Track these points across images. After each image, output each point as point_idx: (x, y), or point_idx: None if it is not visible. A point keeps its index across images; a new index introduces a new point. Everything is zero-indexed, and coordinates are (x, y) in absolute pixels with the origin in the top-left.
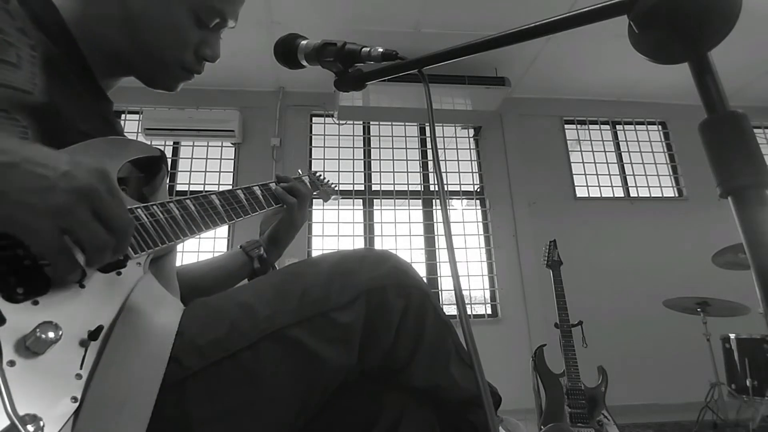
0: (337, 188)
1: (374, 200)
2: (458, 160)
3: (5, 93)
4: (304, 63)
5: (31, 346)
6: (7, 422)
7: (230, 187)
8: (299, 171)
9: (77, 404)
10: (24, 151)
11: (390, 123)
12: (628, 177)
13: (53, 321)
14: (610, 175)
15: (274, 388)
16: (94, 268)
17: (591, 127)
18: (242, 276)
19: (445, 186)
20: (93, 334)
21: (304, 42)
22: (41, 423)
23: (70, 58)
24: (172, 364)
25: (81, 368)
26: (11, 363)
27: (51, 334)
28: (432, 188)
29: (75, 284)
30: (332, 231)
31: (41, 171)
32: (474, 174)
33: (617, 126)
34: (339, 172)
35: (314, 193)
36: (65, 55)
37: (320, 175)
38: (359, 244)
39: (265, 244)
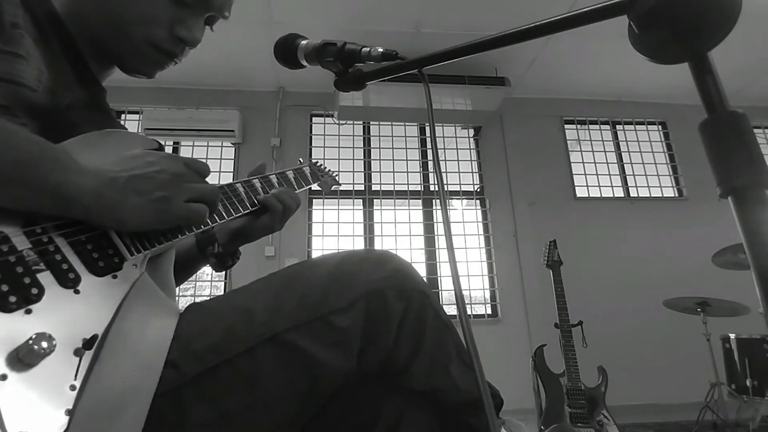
0: (338, 176)
1: (374, 200)
2: (458, 160)
3: (11, 89)
4: (304, 63)
5: (23, 359)
6: None
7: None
8: (300, 160)
9: (71, 417)
10: (120, 170)
11: (390, 123)
12: (628, 177)
13: (47, 332)
14: (610, 175)
15: (272, 392)
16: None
17: (591, 127)
18: (199, 267)
19: (445, 186)
20: (88, 344)
21: (304, 42)
22: None
23: (64, 47)
24: (168, 370)
25: (75, 379)
26: (3, 377)
27: (45, 345)
28: (432, 188)
29: (69, 290)
30: (332, 231)
31: (147, 172)
32: (474, 174)
33: (617, 126)
34: (339, 172)
35: (315, 184)
36: (60, 44)
37: (321, 165)
38: (359, 244)
39: (226, 236)
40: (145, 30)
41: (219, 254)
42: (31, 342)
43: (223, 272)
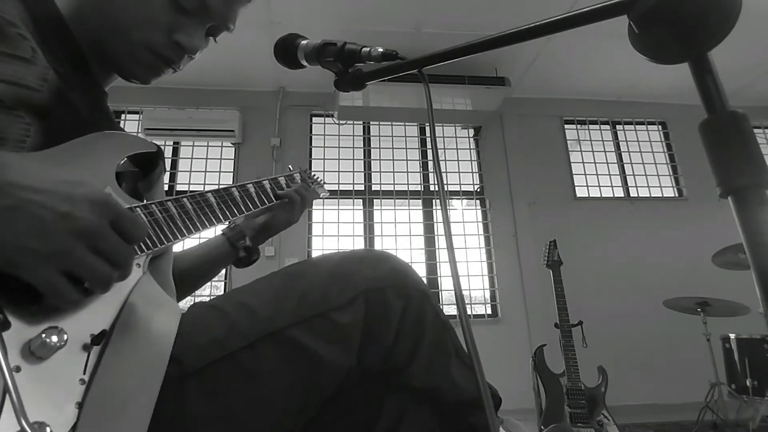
0: (324, 183)
1: (374, 200)
2: (458, 160)
3: (11, 90)
4: (304, 63)
5: (36, 351)
6: (17, 429)
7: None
8: (289, 167)
9: (80, 410)
10: (22, 191)
11: (390, 123)
12: (628, 177)
13: (58, 326)
14: (610, 175)
15: (274, 388)
16: (99, 294)
17: (591, 127)
18: (226, 264)
19: (445, 186)
20: (96, 339)
21: (304, 42)
22: (48, 430)
23: (66, 48)
24: (171, 364)
25: (84, 373)
26: (17, 369)
27: (55, 339)
28: (432, 188)
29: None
30: (332, 231)
31: (42, 213)
32: (474, 174)
33: (617, 126)
34: (339, 172)
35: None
36: (61, 45)
37: (309, 172)
38: (359, 244)
39: (253, 231)
40: (143, 33)
41: (248, 248)
42: (44, 335)
43: (224, 272)
